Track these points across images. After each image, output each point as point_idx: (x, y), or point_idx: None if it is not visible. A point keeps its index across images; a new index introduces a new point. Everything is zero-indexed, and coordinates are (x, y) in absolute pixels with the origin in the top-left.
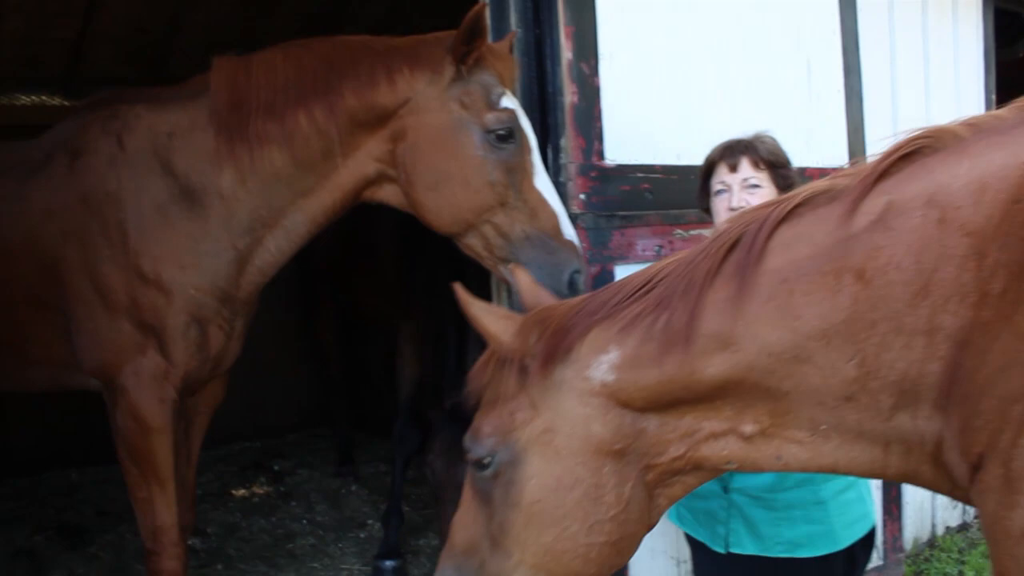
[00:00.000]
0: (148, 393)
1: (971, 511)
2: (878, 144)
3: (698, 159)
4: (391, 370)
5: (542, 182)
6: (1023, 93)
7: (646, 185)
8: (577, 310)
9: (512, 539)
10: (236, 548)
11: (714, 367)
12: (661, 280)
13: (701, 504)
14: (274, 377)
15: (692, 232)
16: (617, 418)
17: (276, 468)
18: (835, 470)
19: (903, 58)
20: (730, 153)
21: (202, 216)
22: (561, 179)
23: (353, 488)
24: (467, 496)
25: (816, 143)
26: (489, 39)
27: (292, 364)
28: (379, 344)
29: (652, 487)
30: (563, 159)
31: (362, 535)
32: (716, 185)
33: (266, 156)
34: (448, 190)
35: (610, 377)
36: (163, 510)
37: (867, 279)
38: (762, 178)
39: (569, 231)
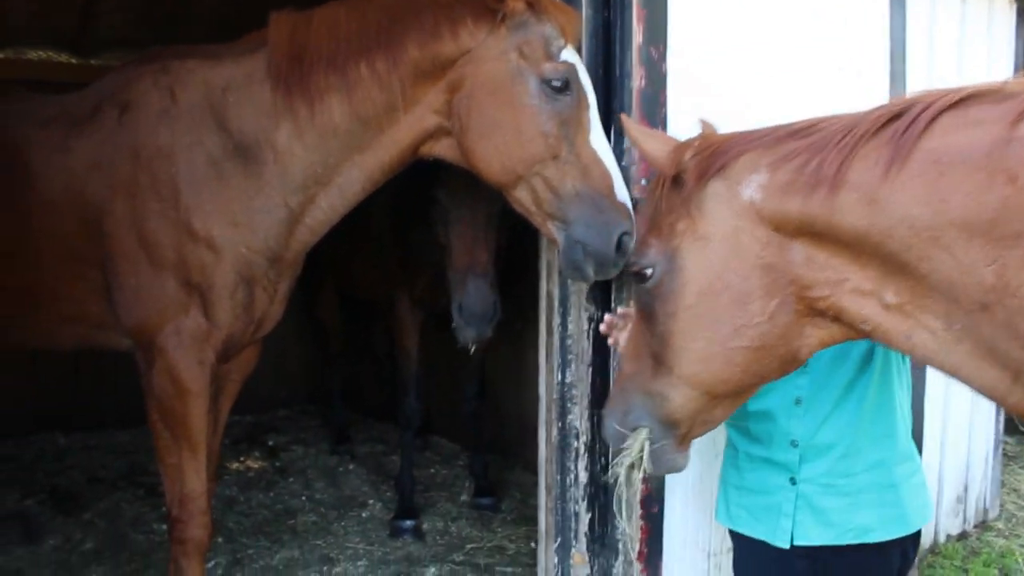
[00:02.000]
0: (188, 354)
1: (971, 519)
2: None
3: None
4: (392, 346)
5: (598, 140)
6: None
7: None
8: (732, 137)
9: (671, 350)
10: (236, 522)
11: (854, 217)
12: (819, 130)
13: (761, 500)
14: (264, 351)
15: None
16: (765, 236)
17: (270, 443)
18: (957, 375)
19: (940, 67)
20: None
21: (256, 173)
22: (624, 163)
23: (351, 467)
24: (634, 325)
25: None
26: None
27: (283, 339)
28: (377, 324)
29: (799, 317)
30: (627, 143)
31: (364, 514)
32: None
33: (326, 110)
34: (499, 138)
35: (757, 196)
36: (192, 477)
37: (1020, 185)
38: None
39: (623, 193)
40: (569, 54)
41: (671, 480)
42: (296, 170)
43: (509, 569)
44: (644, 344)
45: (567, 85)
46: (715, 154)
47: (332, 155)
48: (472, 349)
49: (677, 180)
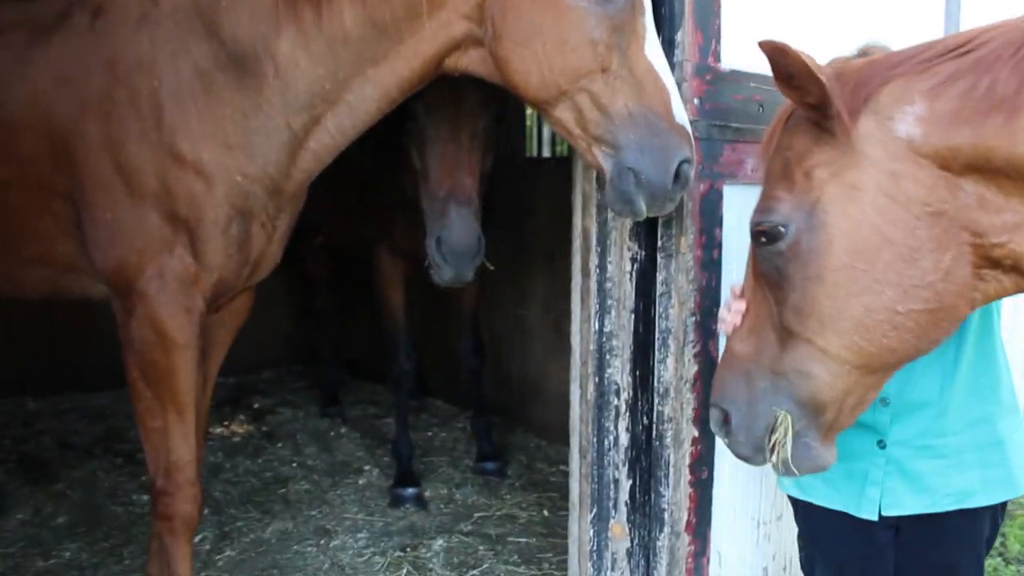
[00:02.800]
0: (173, 300)
1: None
2: None
3: None
4: (378, 300)
5: (654, 51)
6: None
7: (758, 97)
8: (874, 63)
9: (813, 320)
10: (223, 491)
11: None
12: (982, 44)
13: (842, 466)
14: None
15: None
16: (930, 178)
17: (256, 406)
18: None
19: None
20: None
21: (254, 87)
22: (675, 79)
23: (343, 431)
24: (749, 295)
25: None
26: None
27: (266, 292)
28: (364, 283)
29: (972, 269)
30: (678, 56)
31: (360, 481)
32: None
33: (335, 14)
34: (540, 46)
35: (916, 131)
36: (180, 443)
37: None
38: None
39: (681, 114)
40: None
41: (721, 443)
42: (300, 85)
43: (523, 540)
44: (766, 316)
45: None
46: (857, 85)
47: (342, 68)
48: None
49: (813, 117)
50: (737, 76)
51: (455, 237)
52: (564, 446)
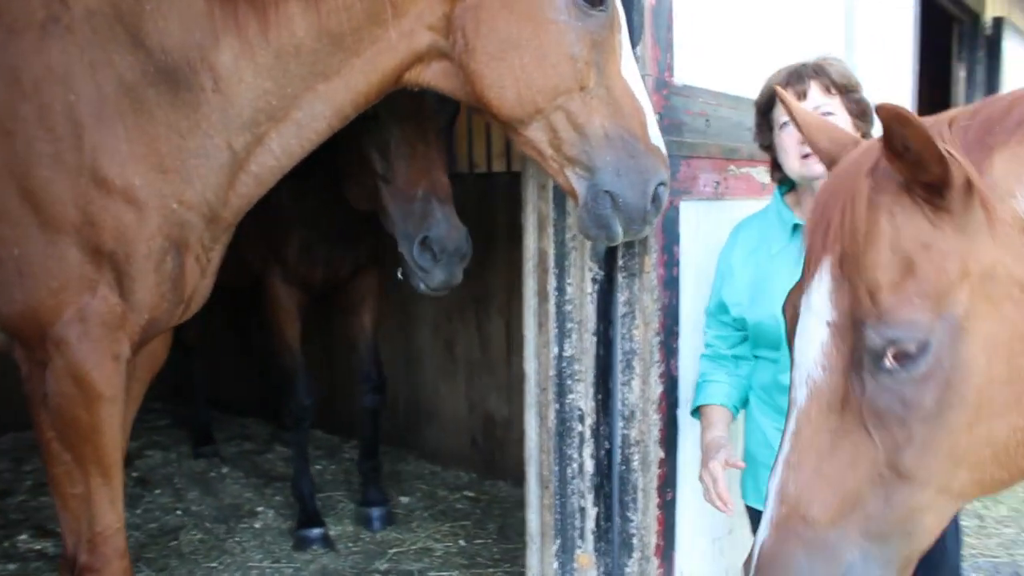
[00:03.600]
0: (97, 347)
1: None
2: None
3: (748, 91)
4: (272, 333)
5: (630, 70)
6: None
7: (705, 112)
8: (963, 124)
9: (941, 457)
10: None
11: None
12: None
13: None
14: None
15: (743, 169)
16: None
17: None
18: None
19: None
20: (797, 79)
21: (190, 104)
22: None
23: (224, 471)
24: (826, 441)
25: None
26: None
27: None
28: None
29: None
30: (639, 71)
31: (256, 525)
32: (783, 117)
33: (284, 23)
34: (517, 60)
35: None
36: (106, 509)
37: None
38: (834, 104)
39: (657, 135)
40: None
41: (682, 462)
42: (244, 101)
43: (446, 574)
44: (865, 463)
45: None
46: (930, 152)
47: (291, 83)
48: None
49: (921, 194)
50: (689, 91)
51: (447, 234)
52: (462, 471)
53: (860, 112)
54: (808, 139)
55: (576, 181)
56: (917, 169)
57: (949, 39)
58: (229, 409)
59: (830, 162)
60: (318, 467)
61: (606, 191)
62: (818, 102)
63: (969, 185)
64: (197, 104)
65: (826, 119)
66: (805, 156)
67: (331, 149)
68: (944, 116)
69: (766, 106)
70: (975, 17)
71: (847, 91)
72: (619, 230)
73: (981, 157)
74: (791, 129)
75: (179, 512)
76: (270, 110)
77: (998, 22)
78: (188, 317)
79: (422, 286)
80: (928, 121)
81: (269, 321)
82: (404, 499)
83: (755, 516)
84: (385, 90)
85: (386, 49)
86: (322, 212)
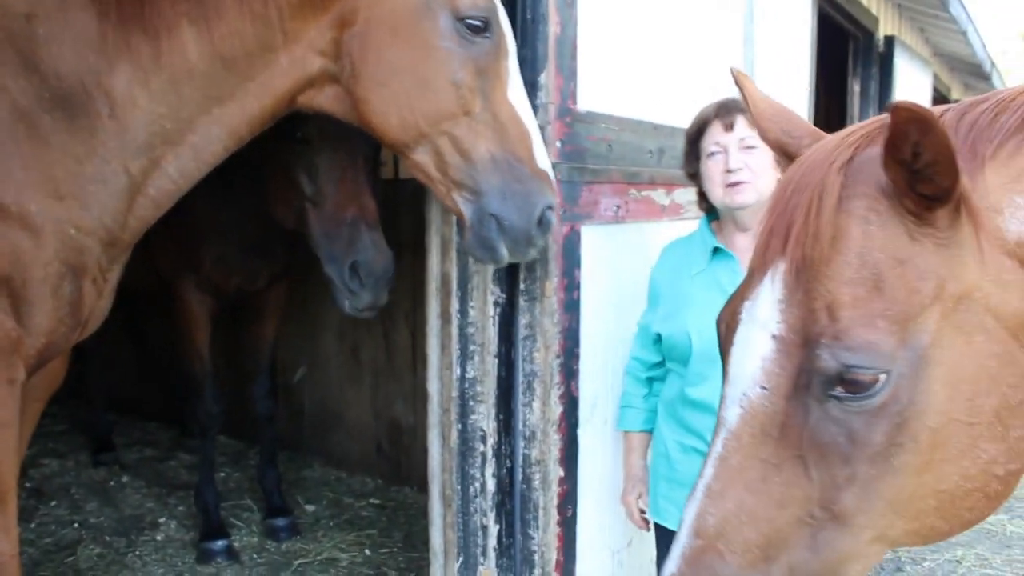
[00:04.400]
0: None
1: None
2: None
3: (649, 115)
4: (181, 340)
5: (517, 95)
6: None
7: (608, 137)
8: (949, 130)
9: (883, 501)
10: None
11: None
12: None
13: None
14: None
15: (644, 193)
16: None
17: None
18: None
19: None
20: (725, 112)
21: (87, 129)
22: (539, 122)
23: (125, 479)
24: (756, 474)
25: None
26: None
27: None
28: (129, 313)
29: None
30: (541, 98)
31: (159, 537)
32: (710, 147)
33: (176, 48)
34: (400, 86)
35: None
36: (0, 537)
37: None
38: (756, 139)
39: (544, 159)
40: None
41: (583, 477)
42: (139, 126)
43: None
44: (797, 500)
45: (487, 26)
46: (946, 163)
47: (186, 106)
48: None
49: (907, 204)
50: (592, 117)
51: (375, 260)
52: (368, 477)
53: None
54: (758, 126)
55: (463, 204)
56: (920, 179)
57: (846, 53)
58: (130, 412)
59: (783, 155)
60: (222, 474)
61: (492, 214)
62: (743, 134)
63: (960, 199)
64: (93, 130)
65: (784, 107)
66: (730, 185)
67: (253, 162)
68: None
69: (695, 135)
70: (869, 35)
71: None
72: (504, 252)
73: (974, 168)
74: (718, 158)
75: (76, 525)
76: (166, 134)
77: (890, 40)
78: (85, 336)
79: (347, 306)
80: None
81: (178, 327)
82: (310, 507)
83: (659, 530)
84: (279, 113)
85: (279, 74)
86: (241, 223)
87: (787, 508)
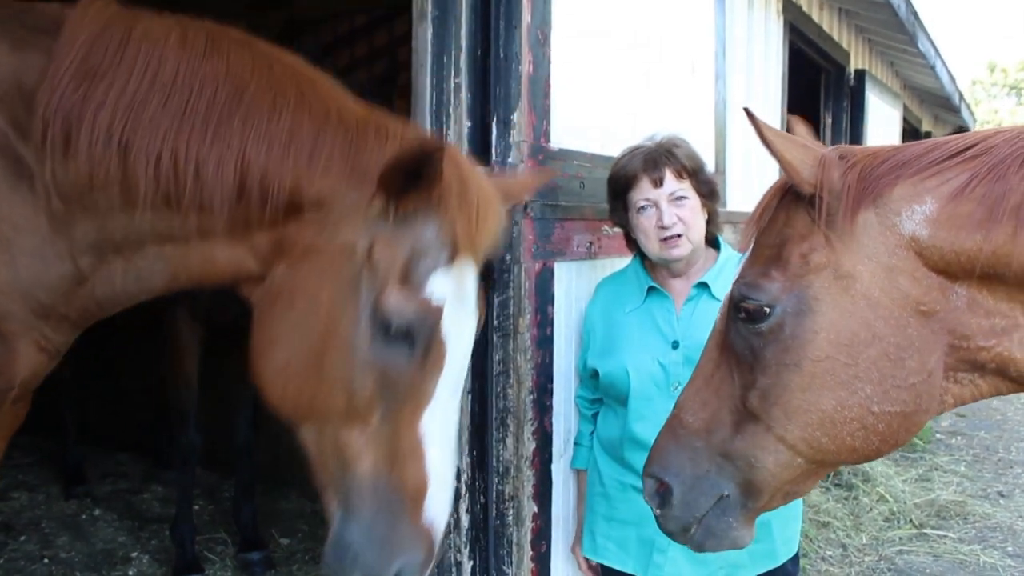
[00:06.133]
0: None
1: None
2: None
3: (618, 151)
4: (170, 369)
5: (437, 422)
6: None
7: (580, 174)
8: (884, 158)
9: (778, 409)
10: None
11: None
12: (989, 149)
13: (633, 532)
14: None
15: (616, 229)
16: (926, 279)
17: None
18: None
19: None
20: (653, 166)
21: (30, 204)
22: (511, 160)
23: (97, 513)
24: (709, 369)
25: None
26: (462, 172)
27: None
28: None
29: (946, 372)
30: (515, 137)
31: (131, 572)
32: (640, 202)
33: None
34: (288, 354)
35: (923, 232)
36: None
37: None
38: (686, 188)
39: (438, 507)
40: (442, 283)
41: (556, 514)
42: (89, 223)
43: None
44: (726, 394)
45: (410, 336)
46: (867, 177)
47: (137, 231)
48: None
49: (813, 201)
50: (564, 155)
51: None
52: None
53: (709, 192)
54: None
55: (332, 503)
56: (800, 179)
57: (818, 87)
58: (101, 444)
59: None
60: (196, 506)
61: (349, 542)
62: (672, 188)
63: (853, 202)
64: (37, 208)
65: (795, 138)
66: (665, 240)
67: None
68: (856, 156)
69: (623, 188)
70: (840, 68)
71: (695, 173)
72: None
73: (888, 182)
74: (650, 212)
75: (46, 560)
76: (114, 244)
77: (860, 74)
78: (29, 390)
79: None
80: (833, 157)
81: (168, 356)
82: (284, 540)
83: (604, 571)
84: (222, 283)
85: (221, 254)
86: None
87: (722, 399)
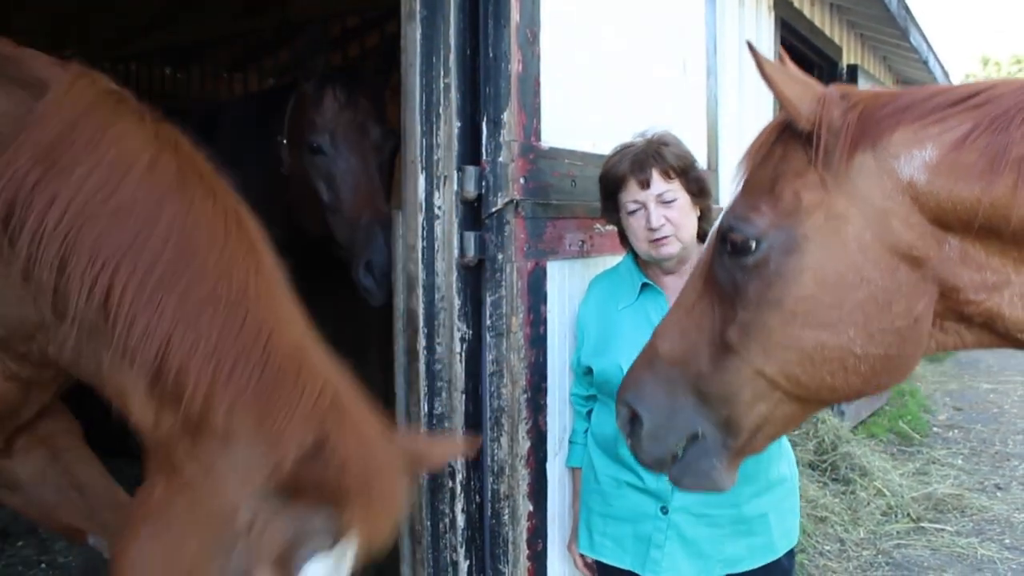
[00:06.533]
0: None
1: None
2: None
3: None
4: None
5: None
6: None
7: (572, 172)
8: (886, 101)
9: (756, 343)
10: None
11: None
12: (994, 99)
13: (629, 528)
14: None
15: (608, 228)
16: (920, 225)
17: None
18: None
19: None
20: (639, 168)
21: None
22: (502, 159)
23: None
24: (691, 299)
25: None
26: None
27: None
28: None
29: (933, 320)
30: (505, 136)
31: None
32: (629, 204)
33: (35, 273)
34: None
35: (921, 177)
36: None
37: None
38: (675, 188)
39: None
40: (319, 569)
41: (551, 512)
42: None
43: None
44: (706, 326)
45: None
46: (868, 118)
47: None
48: None
49: (811, 138)
50: (555, 153)
51: (387, 259)
52: None
53: (699, 190)
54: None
55: None
56: (798, 116)
57: None
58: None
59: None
60: None
61: None
62: (660, 189)
63: (851, 143)
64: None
65: (797, 72)
66: (654, 241)
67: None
68: (858, 97)
69: (612, 189)
70: (833, 64)
71: (684, 172)
72: None
73: (889, 126)
74: (639, 215)
75: (44, 565)
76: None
77: (853, 69)
78: (25, 419)
79: (374, 301)
80: (835, 96)
81: None
82: None
83: (601, 568)
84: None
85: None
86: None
87: (701, 331)
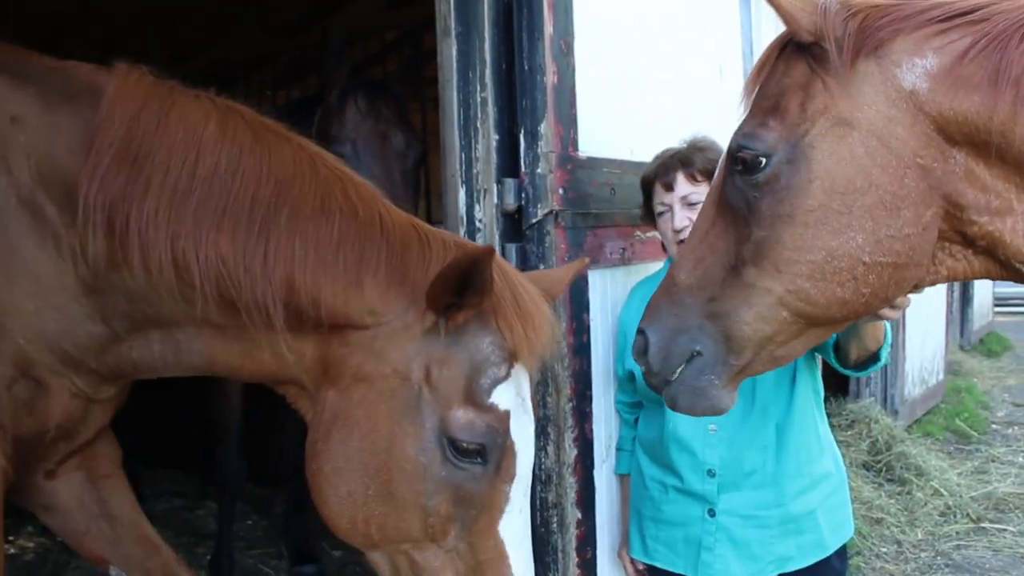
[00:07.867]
0: None
1: None
2: None
3: (651, 157)
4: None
5: (512, 527)
6: None
7: (611, 181)
8: (886, 11)
9: (768, 260)
10: None
11: None
12: (991, 16)
13: (679, 532)
14: None
15: (649, 234)
16: (924, 133)
17: None
18: None
19: None
20: (664, 171)
21: (56, 261)
22: (540, 171)
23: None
24: (705, 226)
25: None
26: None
27: None
28: None
29: (940, 240)
30: (542, 147)
31: None
32: (658, 207)
33: (154, 263)
34: (352, 484)
35: (923, 84)
36: None
37: None
38: (702, 191)
39: None
40: (505, 392)
41: (600, 520)
42: (119, 294)
43: None
44: (721, 250)
45: (482, 451)
46: (869, 26)
47: (167, 307)
48: None
49: (813, 50)
50: (593, 163)
51: None
52: None
53: None
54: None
55: None
56: (798, 26)
57: None
58: (153, 462)
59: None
60: (248, 522)
61: None
62: (685, 191)
63: (852, 50)
64: (65, 270)
65: None
66: (680, 242)
67: None
68: (858, 6)
69: (646, 194)
70: None
71: (712, 175)
72: None
73: (890, 34)
74: (666, 217)
75: None
76: (148, 317)
77: None
78: (82, 441)
79: None
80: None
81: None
82: (336, 553)
83: (655, 573)
84: (262, 381)
85: (266, 352)
86: None
87: (716, 255)
